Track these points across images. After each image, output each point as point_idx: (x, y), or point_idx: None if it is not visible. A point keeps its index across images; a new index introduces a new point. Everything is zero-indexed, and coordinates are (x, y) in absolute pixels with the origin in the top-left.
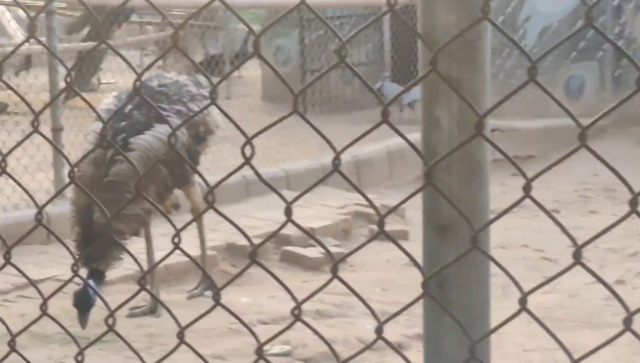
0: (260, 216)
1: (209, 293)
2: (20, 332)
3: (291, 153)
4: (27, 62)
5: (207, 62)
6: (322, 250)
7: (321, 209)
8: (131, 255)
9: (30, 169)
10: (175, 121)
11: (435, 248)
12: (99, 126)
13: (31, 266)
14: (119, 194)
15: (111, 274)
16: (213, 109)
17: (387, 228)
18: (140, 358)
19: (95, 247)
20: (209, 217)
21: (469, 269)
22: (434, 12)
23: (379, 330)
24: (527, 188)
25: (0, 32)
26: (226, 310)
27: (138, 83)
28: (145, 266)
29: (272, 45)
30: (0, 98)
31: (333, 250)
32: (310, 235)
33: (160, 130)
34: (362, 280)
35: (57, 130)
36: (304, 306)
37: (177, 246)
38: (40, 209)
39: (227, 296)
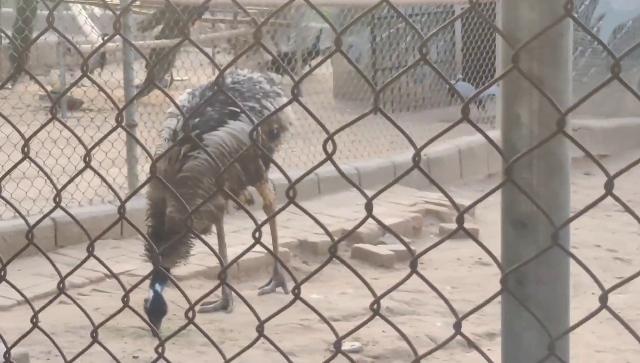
0: (331, 214)
1: (280, 289)
2: (103, 323)
3: (361, 150)
4: (102, 60)
5: (281, 59)
6: (393, 248)
7: (392, 207)
8: (211, 249)
9: (105, 164)
10: (249, 117)
11: (513, 244)
12: (172, 122)
13: (104, 261)
14: (191, 190)
15: (183, 270)
16: (287, 107)
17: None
18: (220, 351)
19: (165, 242)
20: (281, 214)
21: (548, 266)
22: (515, 10)
23: (457, 326)
24: (609, 186)
25: (76, 31)
26: (306, 305)
27: (220, 80)
28: (216, 263)
29: (343, 43)
30: (76, 95)
31: (403, 248)
32: (388, 229)
33: (234, 127)
34: (431, 277)
35: (131, 126)
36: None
37: (257, 240)
38: (123, 203)
39: None
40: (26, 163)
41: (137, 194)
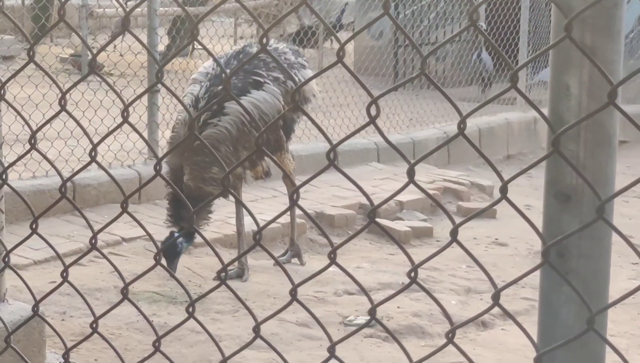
0: (348, 187)
1: (295, 260)
2: (133, 280)
3: (381, 125)
4: (124, 24)
5: (302, 32)
6: (410, 224)
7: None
8: (250, 213)
9: (125, 129)
10: (272, 87)
11: (556, 216)
12: (195, 88)
13: (122, 225)
14: (208, 158)
15: (199, 237)
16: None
17: (475, 205)
18: (253, 316)
19: (185, 207)
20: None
21: (592, 239)
22: None
23: (495, 297)
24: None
25: None
26: (342, 271)
27: (263, 41)
28: (233, 231)
29: (366, 18)
30: (99, 59)
31: (420, 224)
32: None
33: (256, 96)
34: (448, 255)
35: (153, 92)
36: (390, 279)
37: (295, 202)
38: (159, 160)
39: (312, 265)
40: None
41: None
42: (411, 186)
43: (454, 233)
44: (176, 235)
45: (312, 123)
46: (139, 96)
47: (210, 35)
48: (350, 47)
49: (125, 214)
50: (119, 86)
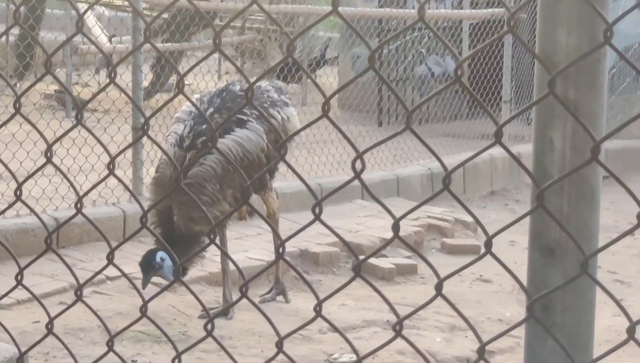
0: (333, 224)
1: (280, 298)
2: (120, 332)
3: (365, 162)
4: (109, 61)
5: (286, 67)
6: (394, 261)
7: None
8: (226, 255)
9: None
10: (256, 125)
11: (541, 270)
12: (179, 127)
13: (104, 263)
14: (195, 197)
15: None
16: (293, 116)
17: (459, 242)
18: (232, 359)
19: (177, 247)
20: (282, 223)
21: (576, 293)
22: (553, 34)
23: (480, 352)
24: None
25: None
26: (326, 322)
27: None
28: (218, 269)
29: (350, 53)
30: (83, 95)
31: (405, 261)
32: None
33: (240, 134)
34: (432, 291)
35: (137, 129)
36: (374, 316)
37: (281, 256)
38: (145, 212)
39: (296, 302)
40: (29, 161)
41: (143, 196)
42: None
43: (488, 244)
44: (159, 252)
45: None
46: (122, 151)
47: (195, 72)
48: (334, 84)
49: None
50: (104, 123)
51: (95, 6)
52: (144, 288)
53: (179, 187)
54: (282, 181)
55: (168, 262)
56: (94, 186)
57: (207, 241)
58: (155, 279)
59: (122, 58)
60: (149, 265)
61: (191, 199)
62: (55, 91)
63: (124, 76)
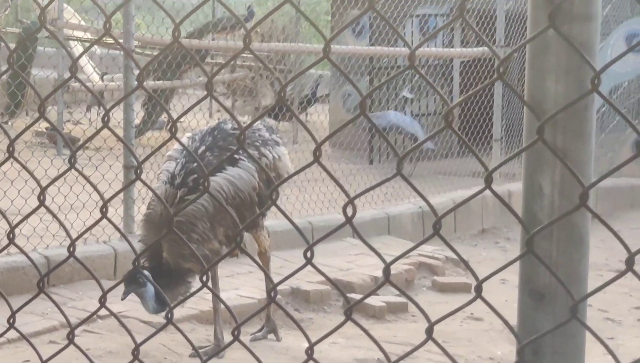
0: (323, 263)
1: (272, 336)
2: None
3: (356, 201)
4: (100, 103)
5: (277, 106)
6: (385, 299)
7: (385, 258)
8: (218, 297)
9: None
10: (247, 164)
11: (530, 314)
12: (171, 165)
13: (96, 302)
14: (186, 235)
15: (176, 313)
16: (284, 155)
17: (450, 280)
18: None
19: (163, 279)
20: (274, 261)
21: (565, 337)
22: (542, 81)
23: None
24: (630, 262)
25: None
26: None
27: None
28: (209, 307)
29: (341, 91)
30: (74, 133)
31: (396, 299)
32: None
33: (231, 173)
34: (422, 330)
35: (128, 168)
36: (365, 355)
37: (272, 299)
38: (138, 256)
39: (287, 340)
40: (20, 199)
41: (134, 235)
42: (388, 259)
43: (478, 289)
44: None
45: (287, 201)
46: (114, 196)
47: (184, 106)
48: (325, 122)
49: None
50: (95, 161)
51: (86, 44)
52: (122, 299)
53: (171, 224)
54: (274, 220)
55: (151, 288)
56: (87, 229)
57: (196, 278)
58: (149, 318)
59: (116, 102)
60: (132, 278)
61: (181, 237)
62: (46, 128)
63: (116, 114)
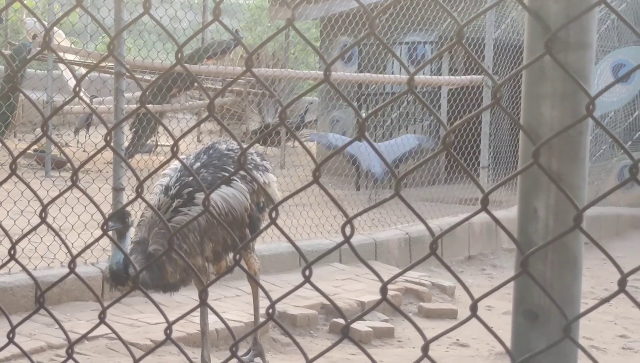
0: (310, 287)
1: (258, 359)
2: None
3: (354, 227)
4: (88, 120)
5: (264, 130)
6: (371, 324)
7: (371, 284)
8: (214, 311)
9: (90, 226)
10: (241, 185)
11: (524, 334)
12: (166, 179)
13: (84, 323)
14: (177, 244)
15: (162, 335)
16: (273, 182)
17: (436, 306)
18: None
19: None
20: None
21: (558, 356)
22: (538, 107)
23: None
24: (622, 283)
25: (68, 92)
26: None
27: (242, 159)
28: (197, 330)
29: (329, 117)
30: (61, 155)
31: (381, 324)
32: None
33: (226, 191)
34: (408, 355)
35: (118, 190)
36: None
37: (271, 317)
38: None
39: None
40: (9, 220)
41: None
42: (375, 284)
43: (473, 308)
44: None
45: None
46: (115, 213)
47: (174, 133)
48: (313, 147)
49: (89, 312)
50: (84, 183)
51: (76, 67)
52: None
53: (162, 229)
54: (261, 244)
55: (128, 238)
56: (87, 247)
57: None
58: (137, 340)
59: (121, 120)
60: (121, 216)
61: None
62: (34, 150)
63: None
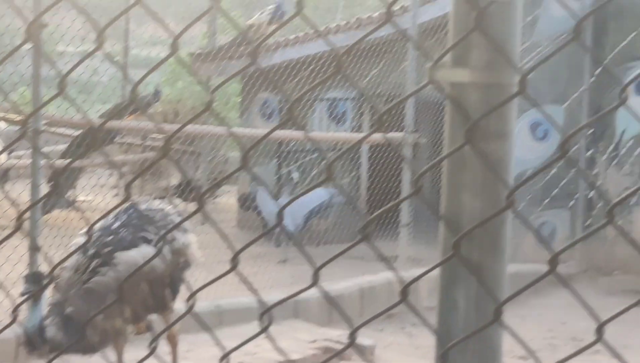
0: (231, 346)
1: None
2: None
3: (264, 283)
4: (4, 175)
5: (184, 185)
6: None
7: (292, 342)
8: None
9: (6, 285)
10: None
11: None
12: (82, 239)
13: None
14: (95, 305)
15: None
16: (192, 244)
17: None
18: None
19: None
20: (181, 344)
21: None
22: (458, 197)
23: None
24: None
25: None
26: None
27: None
28: None
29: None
30: None
31: None
32: None
33: (146, 251)
34: None
35: (34, 249)
36: None
37: None
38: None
39: None
40: None
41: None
42: (296, 343)
43: (443, 357)
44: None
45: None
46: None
47: (94, 190)
48: (232, 203)
49: None
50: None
51: None
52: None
53: (82, 290)
54: (181, 303)
55: (45, 300)
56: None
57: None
58: None
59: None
60: (36, 277)
61: (87, 305)
62: None
63: (23, 195)
